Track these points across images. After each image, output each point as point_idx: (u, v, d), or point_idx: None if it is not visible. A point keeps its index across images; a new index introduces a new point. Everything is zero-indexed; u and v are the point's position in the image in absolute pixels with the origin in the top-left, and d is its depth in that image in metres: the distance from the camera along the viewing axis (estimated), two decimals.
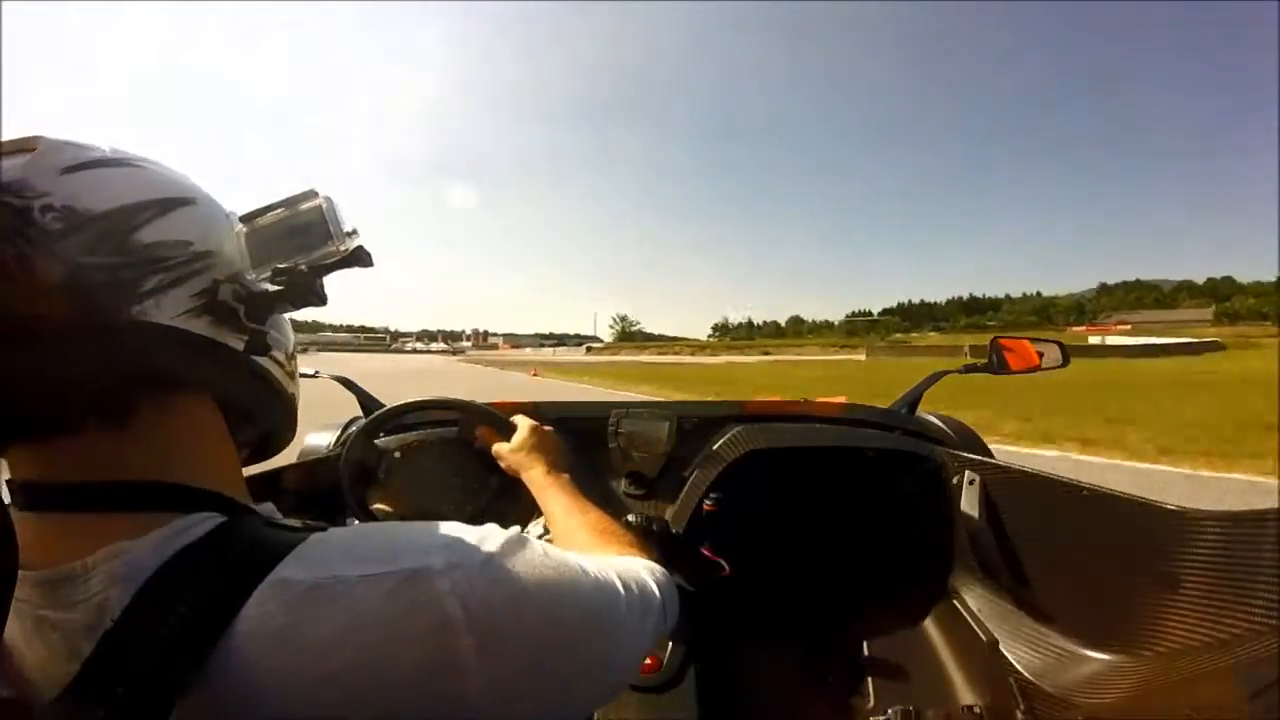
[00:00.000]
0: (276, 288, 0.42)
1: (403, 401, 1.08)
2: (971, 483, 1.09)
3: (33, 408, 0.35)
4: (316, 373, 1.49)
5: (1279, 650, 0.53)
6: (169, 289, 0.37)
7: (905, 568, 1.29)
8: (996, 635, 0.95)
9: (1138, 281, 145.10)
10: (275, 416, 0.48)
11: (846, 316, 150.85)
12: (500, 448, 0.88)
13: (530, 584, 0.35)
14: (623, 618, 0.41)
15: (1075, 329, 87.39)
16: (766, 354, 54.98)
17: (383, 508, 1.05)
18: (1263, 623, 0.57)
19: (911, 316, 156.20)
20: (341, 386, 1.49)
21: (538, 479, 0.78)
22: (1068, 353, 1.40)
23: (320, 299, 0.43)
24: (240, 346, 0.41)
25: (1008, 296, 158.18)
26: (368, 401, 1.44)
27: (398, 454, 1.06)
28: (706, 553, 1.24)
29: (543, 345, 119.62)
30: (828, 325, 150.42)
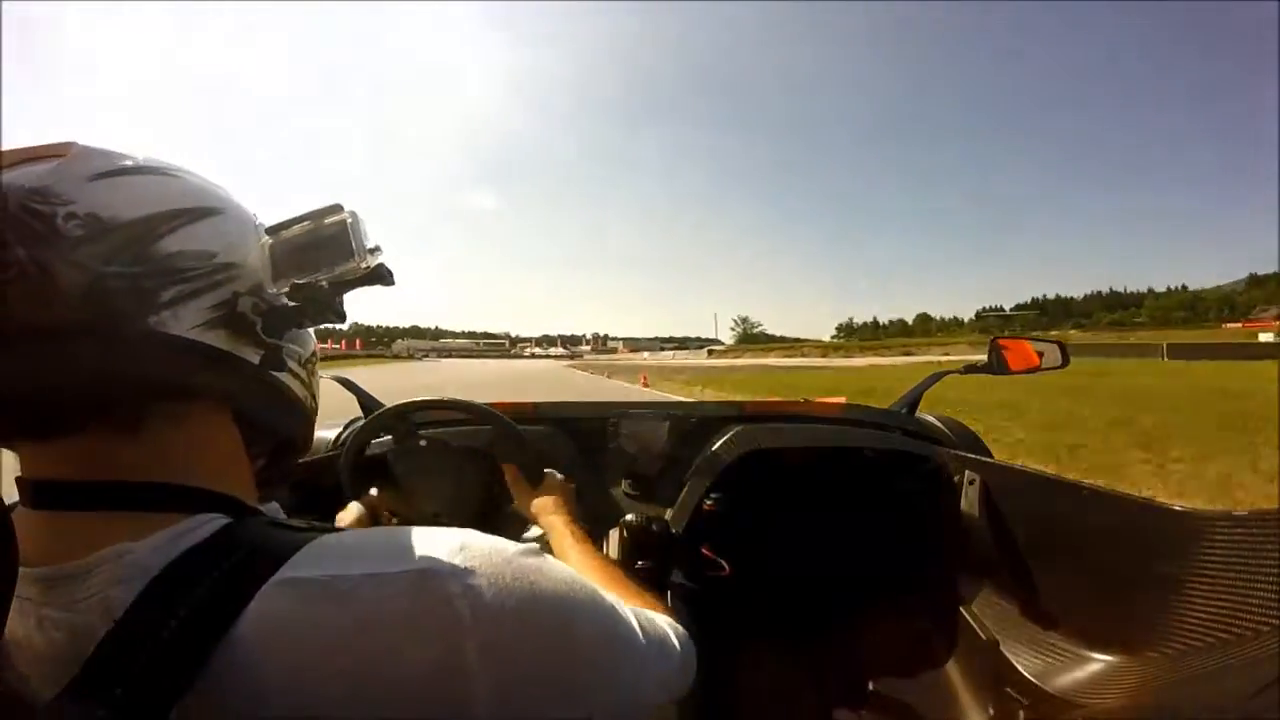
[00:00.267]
0: (295, 303, 0.42)
1: (401, 401, 1.08)
2: (972, 483, 1.09)
3: (42, 408, 0.35)
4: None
5: (1279, 650, 0.53)
6: (187, 300, 0.37)
7: (905, 568, 1.29)
8: (997, 635, 0.95)
9: None
10: (291, 427, 0.47)
11: (977, 313, 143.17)
12: (526, 497, 0.89)
13: (542, 593, 0.35)
14: (640, 647, 0.41)
15: (1229, 325, 78.86)
16: (909, 354, 46.32)
17: (388, 513, 1.05)
18: (1263, 623, 0.57)
19: (1048, 312, 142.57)
20: (341, 386, 1.49)
21: (558, 527, 0.79)
22: (1068, 353, 1.41)
23: (339, 316, 0.43)
24: (256, 360, 0.41)
25: (1150, 291, 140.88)
26: (368, 401, 1.44)
27: (398, 454, 1.06)
28: (706, 553, 1.24)
29: (662, 349, 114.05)
30: (957, 322, 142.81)
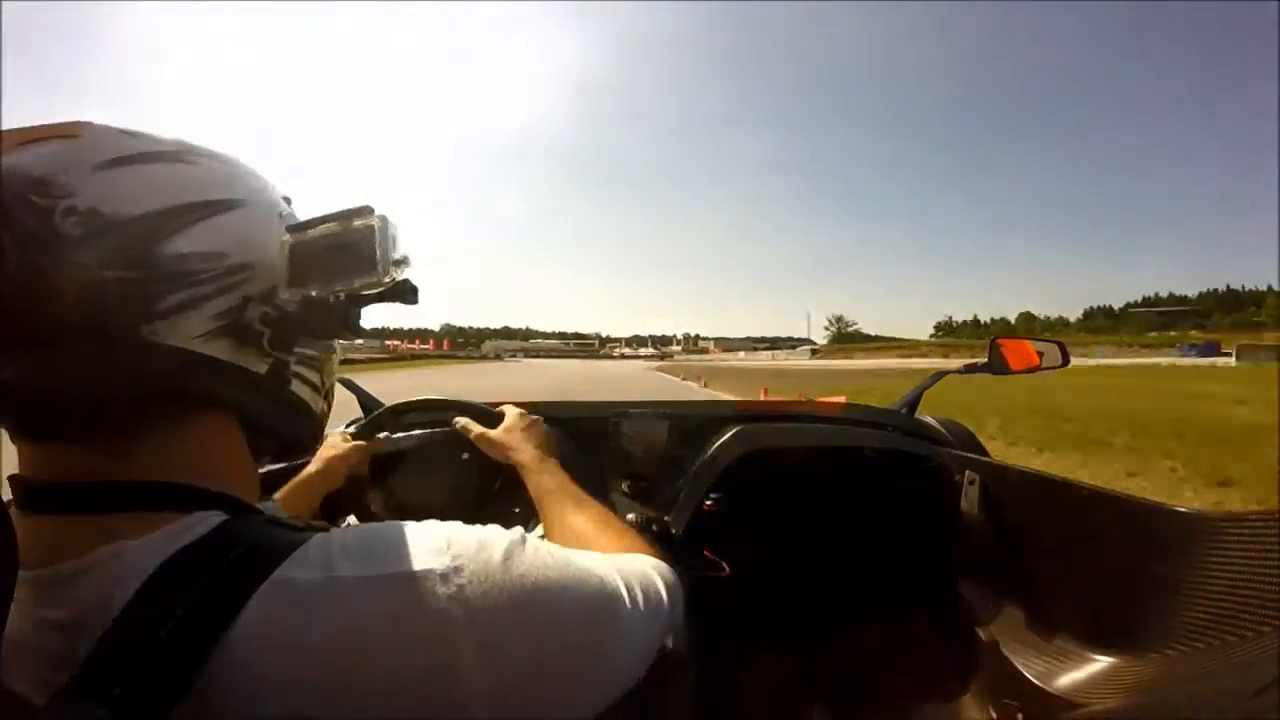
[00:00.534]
0: (308, 314, 0.40)
1: (399, 401, 1.08)
2: (972, 483, 1.09)
3: (32, 410, 0.34)
4: None
5: (1279, 650, 0.53)
6: (190, 308, 0.35)
7: (905, 568, 1.29)
8: (997, 635, 0.95)
9: None
10: (299, 432, 0.45)
11: (1085, 312, 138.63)
12: (486, 433, 0.83)
13: (532, 585, 0.35)
14: (628, 616, 0.40)
15: None
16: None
17: (382, 507, 1.05)
18: (1263, 623, 0.57)
19: (1161, 311, 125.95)
20: (342, 386, 1.49)
21: (529, 463, 0.74)
22: (1068, 353, 1.41)
23: (353, 332, 0.41)
24: (262, 370, 0.40)
25: (1270, 289, 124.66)
26: (367, 401, 1.44)
27: (397, 454, 1.06)
28: (706, 553, 1.24)
29: (755, 349, 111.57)
30: (1063, 322, 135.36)
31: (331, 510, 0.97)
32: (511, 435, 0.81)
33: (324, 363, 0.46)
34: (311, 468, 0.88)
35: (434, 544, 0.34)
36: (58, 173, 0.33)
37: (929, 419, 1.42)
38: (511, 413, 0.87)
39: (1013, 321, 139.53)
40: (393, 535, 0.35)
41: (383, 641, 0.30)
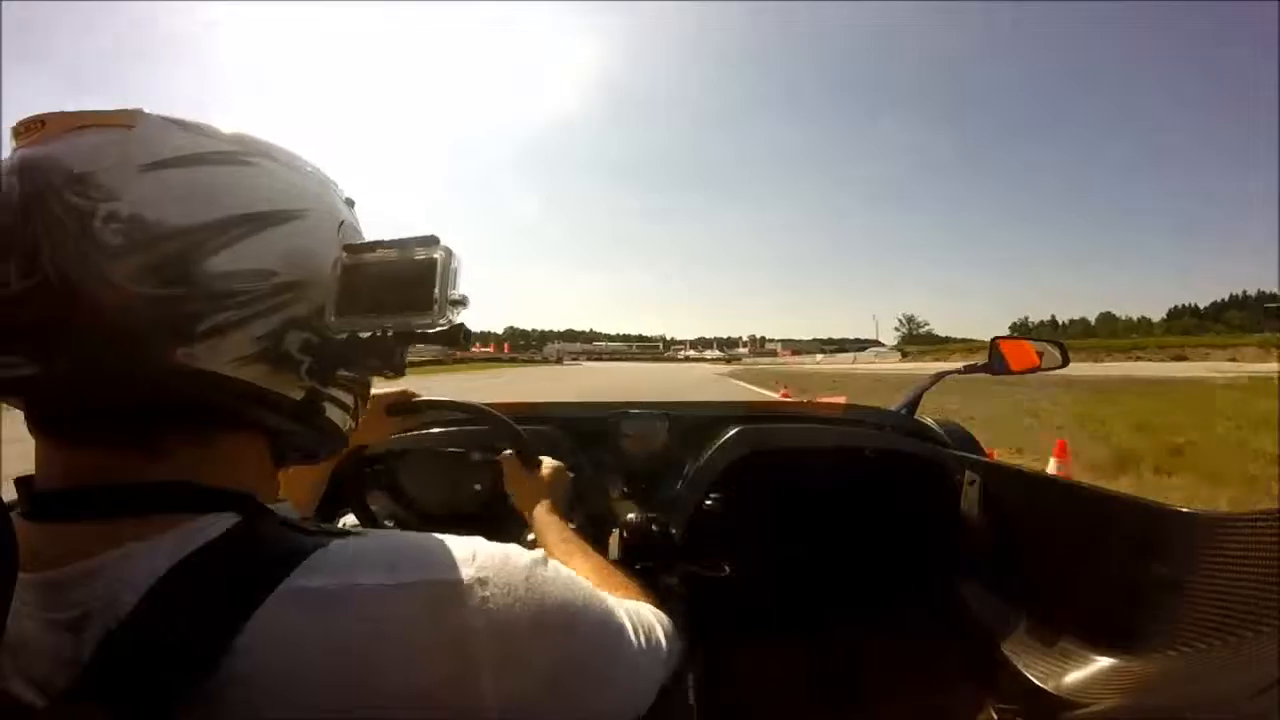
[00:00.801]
0: (351, 347, 0.38)
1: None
2: (972, 483, 1.09)
3: (53, 412, 0.33)
4: None
5: (1279, 650, 0.53)
6: (229, 331, 0.33)
7: (905, 568, 1.29)
8: (997, 635, 0.95)
9: None
10: (325, 450, 0.44)
11: (1169, 311, 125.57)
12: (521, 484, 0.83)
13: (552, 604, 0.34)
14: (633, 650, 0.40)
15: None
16: (1182, 358, 34.63)
17: (381, 506, 1.05)
18: (1263, 623, 0.57)
19: (1251, 311, 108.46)
20: None
21: (541, 515, 0.74)
22: (1067, 353, 1.41)
23: (396, 371, 0.39)
24: (297, 397, 0.38)
25: None
26: None
27: (399, 453, 1.06)
28: (706, 553, 1.24)
29: (823, 350, 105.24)
30: (1145, 322, 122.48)
31: (329, 506, 0.97)
32: (539, 495, 0.79)
33: (360, 386, 0.45)
34: None
35: (460, 555, 0.33)
36: (101, 170, 0.31)
37: (928, 420, 1.43)
38: (548, 465, 0.86)
39: (1092, 322, 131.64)
40: (419, 545, 0.34)
41: (401, 651, 0.30)
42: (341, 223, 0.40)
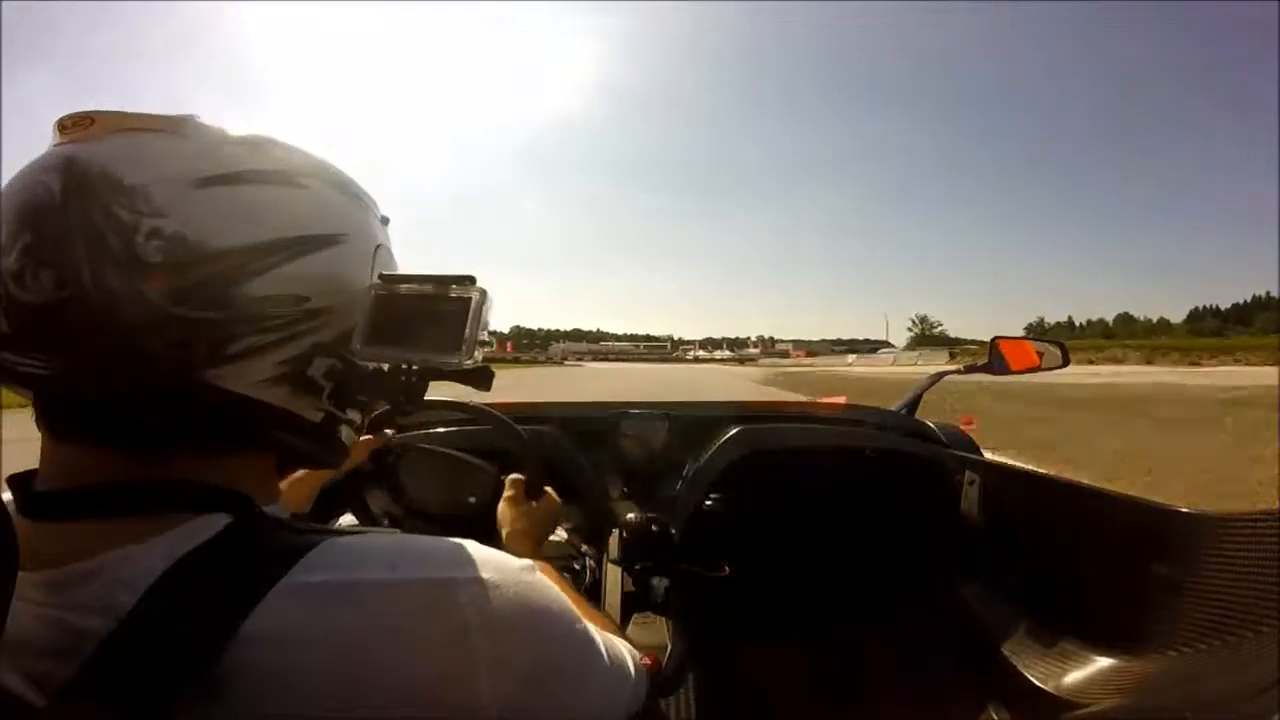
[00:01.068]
0: (373, 378, 0.38)
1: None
2: (972, 483, 1.09)
3: (66, 413, 0.33)
4: None
5: (1279, 650, 0.53)
6: (258, 355, 0.33)
7: (905, 568, 1.29)
8: (996, 635, 0.95)
9: None
10: (329, 463, 0.44)
11: (1190, 312, 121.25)
12: (515, 509, 0.81)
13: (536, 605, 0.35)
14: (604, 667, 0.40)
15: None
16: (1196, 364, 30.39)
17: (380, 505, 1.05)
18: (1263, 623, 0.57)
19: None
20: None
21: (523, 549, 0.71)
22: (1068, 353, 1.40)
23: (415, 405, 0.39)
24: (316, 420, 0.38)
25: None
26: None
27: (400, 452, 1.06)
28: (706, 553, 1.24)
29: (833, 351, 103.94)
30: (1165, 324, 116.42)
31: (327, 504, 0.97)
32: (529, 517, 0.78)
33: (371, 408, 0.45)
34: None
35: (457, 555, 0.34)
36: (150, 184, 0.31)
37: (928, 421, 1.43)
38: (550, 499, 0.84)
39: (1110, 323, 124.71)
40: (417, 543, 0.35)
41: (398, 645, 0.30)
42: (377, 247, 0.40)
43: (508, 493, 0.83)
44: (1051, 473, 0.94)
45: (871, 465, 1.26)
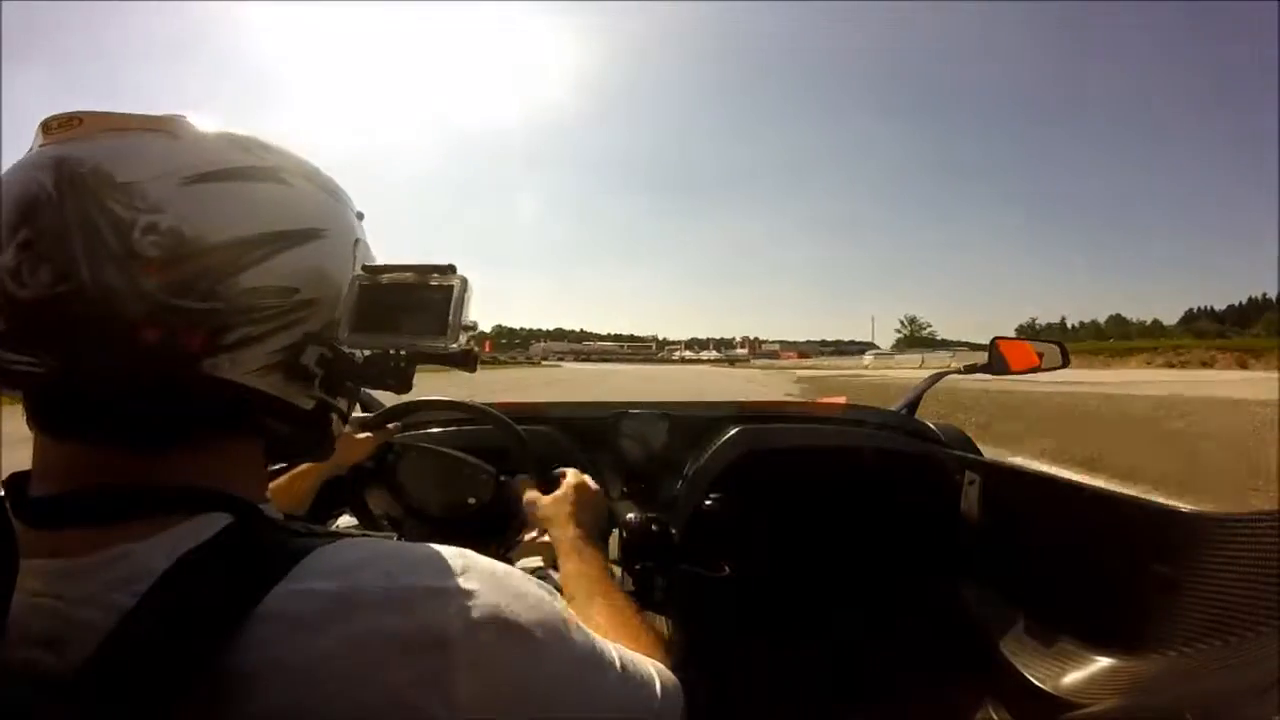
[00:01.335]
0: (363, 361, 0.40)
1: (400, 401, 1.08)
2: (972, 483, 1.09)
3: (61, 411, 0.33)
4: None
5: (1279, 650, 0.53)
6: (252, 344, 0.34)
7: (905, 568, 1.29)
8: (996, 635, 0.95)
9: None
10: (318, 453, 0.46)
11: (1186, 314, 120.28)
12: (537, 498, 0.78)
13: (528, 616, 0.35)
14: (605, 681, 0.38)
15: None
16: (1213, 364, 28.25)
17: (379, 505, 1.05)
18: (1263, 623, 0.57)
19: None
20: None
21: (566, 545, 0.68)
22: (1068, 354, 1.40)
23: (403, 388, 0.41)
24: (308, 407, 0.39)
25: None
26: (366, 401, 1.44)
27: (399, 452, 1.06)
28: (707, 553, 1.24)
29: (820, 352, 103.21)
30: (1158, 325, 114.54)
31: (326, 503, 0.97)
32: (559, 508, 0.74)
33: (355, 396, 0.46)
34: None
35: (454, 565, 0.34)
36: (145, 181, 0.31)
37: (927, 421, 1.42)
38: (570, 481, 0.79)
39: (1102, 324, 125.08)
40: (415, 552, 0.35)
41: (386, 652, 0.30)
42: (356, 241, 0.42)
43: (525, 499, 0.80)
44: (1052, 474, 0.94)
45: (871, 465, 1.26)
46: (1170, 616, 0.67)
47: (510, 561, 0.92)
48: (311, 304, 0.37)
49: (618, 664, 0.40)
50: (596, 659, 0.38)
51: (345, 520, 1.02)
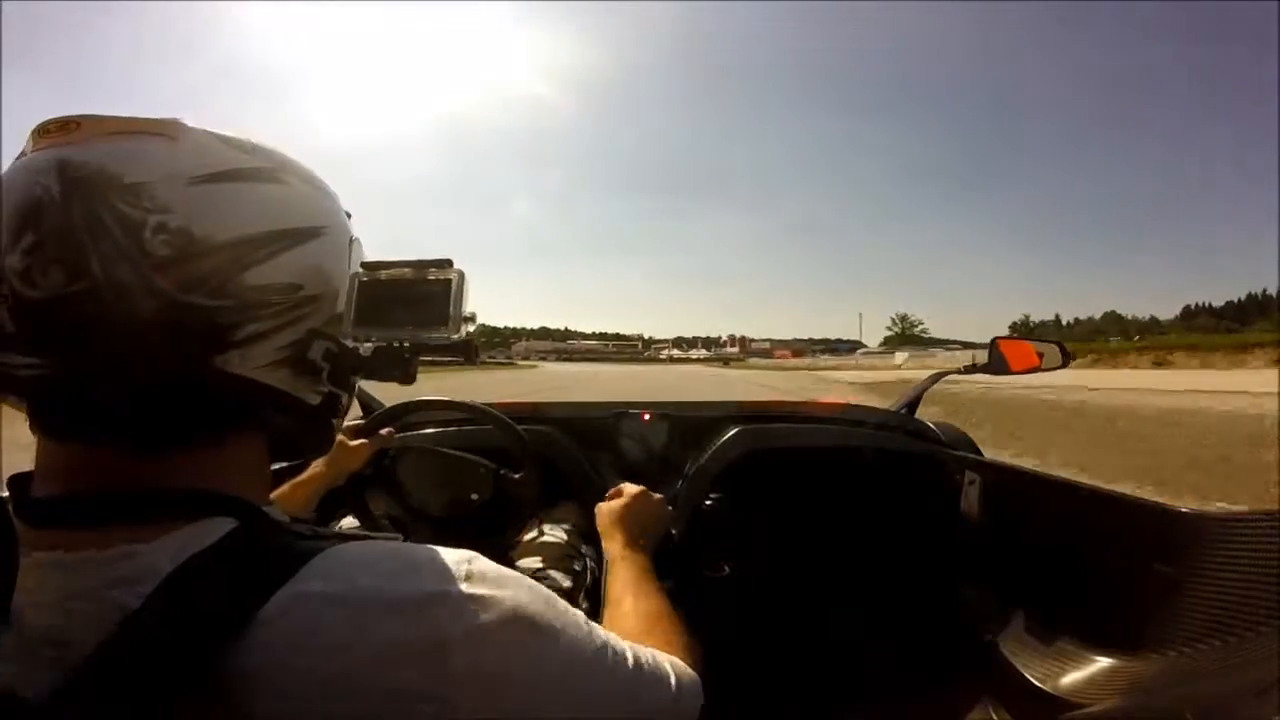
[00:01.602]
0: (367, 354, 0.40)
1: (400, 401, 1.08)
2: (972, 483, 1.09)
3: (67, 413, 0.34)
4: None
5: (1279, 650, 0.53)
6: (260, 339, 0.35)
7: (905, 568, 1.29)
8: (996, 635, 0.95)
9: None
10: (320, 448, 0.47)
11: (1184, 310, 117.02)
12: (600, 508, 0.79)
13: (527, 619, 0.35)
14: (615, 683, 0.38)
15: None
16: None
17: (382, 508, 1.05)
18: (1263, 623, 0.57)
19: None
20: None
21: (612, 551, 0.70)
22: (1068, 354, 1.40)
23: (407, 378, 0.42)
24: (315, 402, 0.40)
25: None
26: (367, 401, 1.44)
27: (400, 454, 1.06)
28: (706, 553, 1.24)
29: (813, 351, 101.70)
30: (1155, 323, 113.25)
31: (329, 507, 0.97)
32: (608, 517, 0.76)
33: (356, 389, 0.47)
34: (318, 466, 0.88)
35: (455, 568, 0.34)
36: (153, 181, 0.32)
37: (927, 421, 1.42)
38: (627, 491, 0.82)
39: (1098, 320, 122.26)
40: (416, 554, 0.35)
41: (388, 654, 0.30)
42: (351, 239, 0.43)
43: (596, 510, 0.80)
44: (1052, 474, 0.94)
45: (871, 465, 1.26)
46: (1170, 616, 0.67)
47: (510, 561, 0.92)
48: (315, 300, 0.38)
49: (629, 662, 0.39)
50: (604, 659, 0.38)
51: (348, 522, 1.02)
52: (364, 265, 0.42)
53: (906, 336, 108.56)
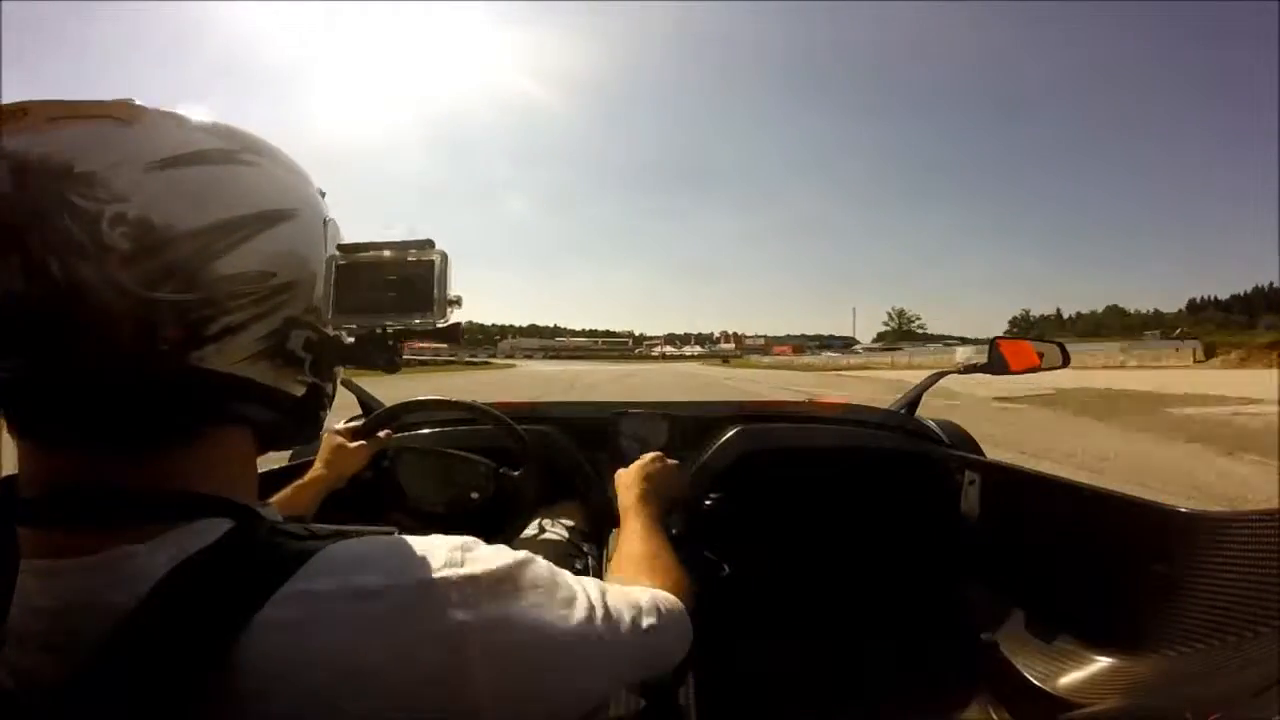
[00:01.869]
0: (349, 340, 0.39)
1: (400, 401, 1.08)
2: (972, 483, 1.09)
3: (47, 416, 0.32)
4: None
5: (1279, 650, 0.53)
6: (236, 332, 0.33)
7: (905, 567, 1.29)
8: (996, 635, 0.95)
9: None
10: (307, 440, 0.46)
11: (1190, 303, 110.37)
12: (618, 475, 0.84)
13: (531, 599, 0.35)
14: (600, 639, 0.39)
15: None
16: None
17: (383, 507, 1.05)
18: (1263, 623, 0.57)
19: None
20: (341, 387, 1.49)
21: (628, 503, 0.74)
22: (1068, 354, 1.40)
23: (391, 367, 0.40)
24: (299, 394, 0.39)
25: None
26: (367, 400, 1.44)
27: (400, 453, 1.06)
28: (707, 553, 1.24)
29: (809, 348, 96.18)
30: (1158, 316, 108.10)
31: (331, 507, 0.97)
32: (625, 478, 0.81)
33: (339, 378, 0.46)
34: (318, 469, 0.88)
35: (453, 555, 0.34)
36: (106, 169, 0.30)
37: (928, 420, 1.42)
38: (647, 456, 0.88)
39: (1100, 314, 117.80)
40: (414, 545, 0.35)
41: (396, 647, 0.30)
42: (326, 220, 0.41)
43: (617, 479, 0.84)
44: (1052, 474, 0.94)
45: (872, 465, 1.26)
46: (1170, 616, 0.67)
47: None
48: (290, 287, 0.36)
49: (598, 611, 0.39)
50: (590, 619, 0.38)
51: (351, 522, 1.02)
52: (340, 248, 0.39)
53: (903, 333, 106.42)
